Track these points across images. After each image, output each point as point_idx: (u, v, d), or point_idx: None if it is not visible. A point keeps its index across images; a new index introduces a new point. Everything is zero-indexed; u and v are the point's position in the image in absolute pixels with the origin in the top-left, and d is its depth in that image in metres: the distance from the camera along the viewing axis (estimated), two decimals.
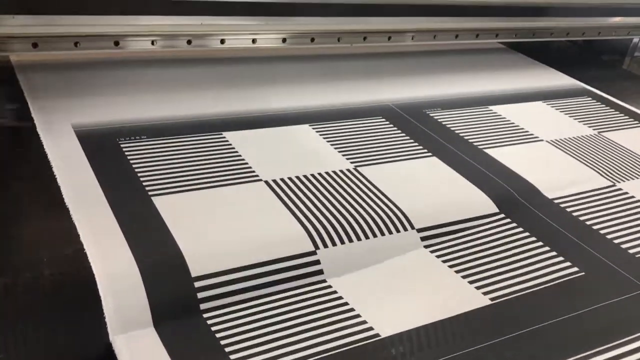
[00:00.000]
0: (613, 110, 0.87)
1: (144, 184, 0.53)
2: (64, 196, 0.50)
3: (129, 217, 0.48)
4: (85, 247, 0.44)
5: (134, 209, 0.50)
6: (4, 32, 0.63)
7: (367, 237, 0.52)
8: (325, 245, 0.50)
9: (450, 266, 0.52)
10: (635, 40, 1.11)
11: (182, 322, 0.43)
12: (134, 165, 0.56)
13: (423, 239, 0.54)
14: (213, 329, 0.43)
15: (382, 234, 0.53)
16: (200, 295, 0.44)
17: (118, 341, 0.40)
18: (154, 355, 0.40)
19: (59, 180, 0.52)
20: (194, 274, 0.45)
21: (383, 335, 0.44)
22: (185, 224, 0.49)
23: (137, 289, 0.42)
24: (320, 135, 0.67)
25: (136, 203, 0.51)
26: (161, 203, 0.51)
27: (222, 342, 0.42)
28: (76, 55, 0.72)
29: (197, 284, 0.44)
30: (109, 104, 0.66)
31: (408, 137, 0.70)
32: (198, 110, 0.68)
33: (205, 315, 0.44)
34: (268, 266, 0.47)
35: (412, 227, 0.54)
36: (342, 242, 0.51)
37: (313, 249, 0.50)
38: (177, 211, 0.50)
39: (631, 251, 0.57)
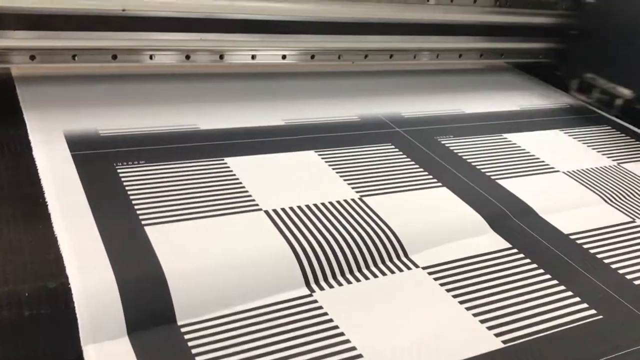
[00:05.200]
0: (634, 140, 0.84)
1: (138, 212, 0.51)
2: (52, 224, 0.47)
3: (118, 245, 0.46)
4: (70, 283, 0.42)
5: (125, 238, 0.47)
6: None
7: (367, 279, 0.50)
8: (322, 289, 0.48)
9: (458, 300, 0.49)
10: None
11: (156, 333, 0.41)
12: (129, 193, 0.53)
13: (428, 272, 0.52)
14: (186, 337, 0.42)
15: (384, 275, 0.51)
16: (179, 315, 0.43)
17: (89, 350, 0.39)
18: None
19: (49, 207, 0.49)
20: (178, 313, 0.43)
21: None
22: (176, 257, 0.46)
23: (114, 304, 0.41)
24: (326, 162, 0.64)
25: (128, 232, 0.48)
26: (154, 233, 0.48)
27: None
28: (74, 68, 0.72)
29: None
30: (108, 117, 0.65)
31: (417, 166, 0.67)
32: (198, 127, 0.66)
33: (179, 323, 0.43)
34: (259, 310, 0.45)
35: (417, 267, 0.52)
36: (340, 285, 0.49)
37: (309, 292, 0.47)
38: (169, 242, 0.48)
39: None
